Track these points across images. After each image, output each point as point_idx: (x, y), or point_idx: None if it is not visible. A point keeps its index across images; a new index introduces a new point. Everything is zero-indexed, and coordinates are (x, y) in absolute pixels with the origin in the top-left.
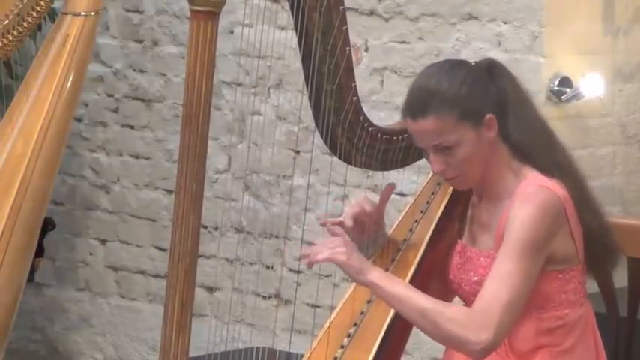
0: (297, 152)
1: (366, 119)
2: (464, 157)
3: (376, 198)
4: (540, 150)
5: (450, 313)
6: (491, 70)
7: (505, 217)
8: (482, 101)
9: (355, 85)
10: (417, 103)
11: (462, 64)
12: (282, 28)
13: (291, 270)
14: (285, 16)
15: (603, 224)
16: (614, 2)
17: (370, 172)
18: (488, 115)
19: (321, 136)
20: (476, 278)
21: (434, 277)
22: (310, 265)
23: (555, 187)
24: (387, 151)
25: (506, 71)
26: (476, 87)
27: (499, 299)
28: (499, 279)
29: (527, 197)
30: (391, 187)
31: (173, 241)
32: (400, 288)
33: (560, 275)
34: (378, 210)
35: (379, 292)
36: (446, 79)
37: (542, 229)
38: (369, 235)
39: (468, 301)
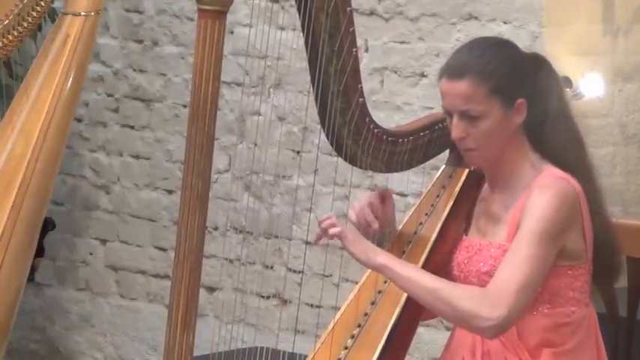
0: (298, 152)
1: (372, 121)
2: (485, 130)
3: None
4: (565, 151)
5: (463, 290)
6: (537, 62)
7: (520, 208)
8: (518, 84)
9: (361, 87)
10: (457, 65)
11: (511, 45)
12: (283, 29)
13: (291, 270)
14: (286, 17)
15: (612, 237)
16: (614, 2)
17: (371, 172)
18: (520, 100)
19: (327, 138)
20: (485, 269)
21: (439, 276)
22: (318, 240)
23: (572, 180)
24: (393, 152)
25: (552, 69)
26: (516, 69)
27: (514, 280)
28: (515, 262)
29: (546, 186)
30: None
31: (178, 239)
32: (410, 269)
33: (570, 272)
34: (386, 207)
35: (389, 273)
36: (491, 52)
37: (559, 218)
38: (376, 231)
39: None
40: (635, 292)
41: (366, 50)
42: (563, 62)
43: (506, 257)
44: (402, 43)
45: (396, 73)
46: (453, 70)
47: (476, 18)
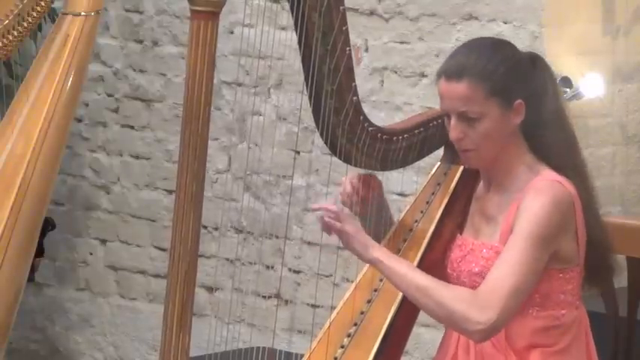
0: (298, 152)
1: (366, 119)
2: (484, 131)
3: None
4: (561, 151)
5: (455, 291)
6: (535, 62)
7: (514, 210)
8: (516, 85)
9: (355, 85)
10: (455, 66)
11: (509, 45)
12: (283, 28)
13: (291, 270)
14: (286, 16)
15: (605, 235)
16: (614, 2)
17: (370, 172)
18: (519, 101)
19: (321, 137)
20: (477, 269)
21: (434, 274)
22: (326, 224)
23: (567, 184)
24: (387, 150)
25: (549, 69)
26: (514, 70)
27: (505, 283)
28: (507, 265)
29: (540, 190)
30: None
31: (173, 241)
32: (404, 266)
33: (561, 275)
34: (374, 190)
35: (383, 269)
36: (489, 53)
37: (553, 222)
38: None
39: None
40: (635, 292)
41: (366, 50)
42: (563, 62)
43: (498, 260)
44: (402, 43)
45: (396, 73)
46: (450, 72)
47: (476, 18)
